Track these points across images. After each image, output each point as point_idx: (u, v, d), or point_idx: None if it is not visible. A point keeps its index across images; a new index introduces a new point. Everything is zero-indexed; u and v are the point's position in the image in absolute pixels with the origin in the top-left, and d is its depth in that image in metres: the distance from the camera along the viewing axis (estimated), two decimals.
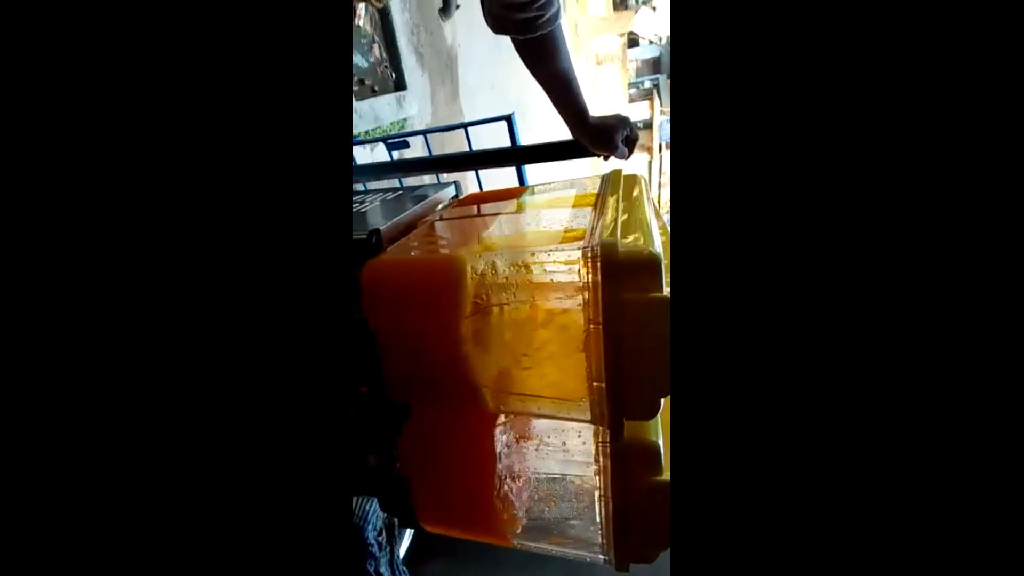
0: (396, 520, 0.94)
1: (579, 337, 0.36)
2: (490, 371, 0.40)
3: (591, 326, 0.35)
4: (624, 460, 0.40)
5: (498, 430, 0.45)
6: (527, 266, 0.37)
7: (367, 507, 0.85)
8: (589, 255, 0.34)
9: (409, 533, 1.01)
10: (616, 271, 0.34)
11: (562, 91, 0.64)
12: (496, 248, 0.39)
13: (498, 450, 0.45)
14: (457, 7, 2.04)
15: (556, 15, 0.60)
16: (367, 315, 0.41)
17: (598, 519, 0.44)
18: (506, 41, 0.62)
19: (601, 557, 0.46)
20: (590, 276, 0.35)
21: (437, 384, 0.42)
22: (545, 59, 0.62)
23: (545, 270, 0.36)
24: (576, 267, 0.35)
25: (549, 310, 0.37)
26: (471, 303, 0.38)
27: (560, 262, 0.36)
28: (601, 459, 0.41)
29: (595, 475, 0.42)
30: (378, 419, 0.47)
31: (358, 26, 2.06)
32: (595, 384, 0.37)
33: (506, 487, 0.46)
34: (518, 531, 0.47)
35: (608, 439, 0.40)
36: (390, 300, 0.41)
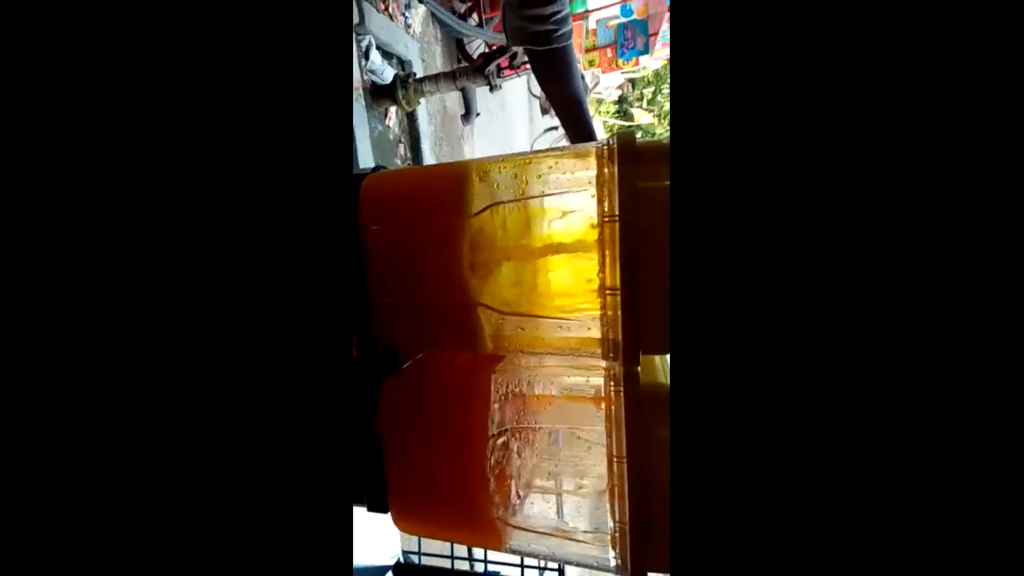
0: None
1: (591, 238, 0.33)
2: (489, 287, 0.36)
3: (605, 220, 0.32)
4: (638, 410, 0.34)
5: (494, 381, 0.39)
6: (535, 165, 0.35)
7: None
8: (605, 147, 0.33)
9: None
10: (634, 158, 0.32)
11: (573, 112, 0.68)
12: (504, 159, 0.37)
13: (494, 406, 0.38)
14: (477, 115, 2.27)
15: (569, 34, 0.66)
16: (362, 227, 0.38)
17: (608, 502, 0.36)
18: None
19: (611, 558, 0.36)
20: (606, 168, 0.32)
21: (430, 309, 0.38)
22: (558, 74, 0.66)
23: (557, 164, 0.34)
24: (590, 162, 0.33)
25: (558, 209, 0.34)
26: (475, 204, 0.35)
27: (572, 156, 0.34)
28: (613, 409, 0.35)
29: (606, 430, 0.35)
30: (361, 364, 0.41)
31: (388, 126, 2.28)
32: (608, 295, 0.33)
33: (499, 455, 0.38)
34: (510, 518, 0.38)
35: (621, 377, 0.34)
36: (389, 208, 0.38)
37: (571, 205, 0.34)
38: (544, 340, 0.36)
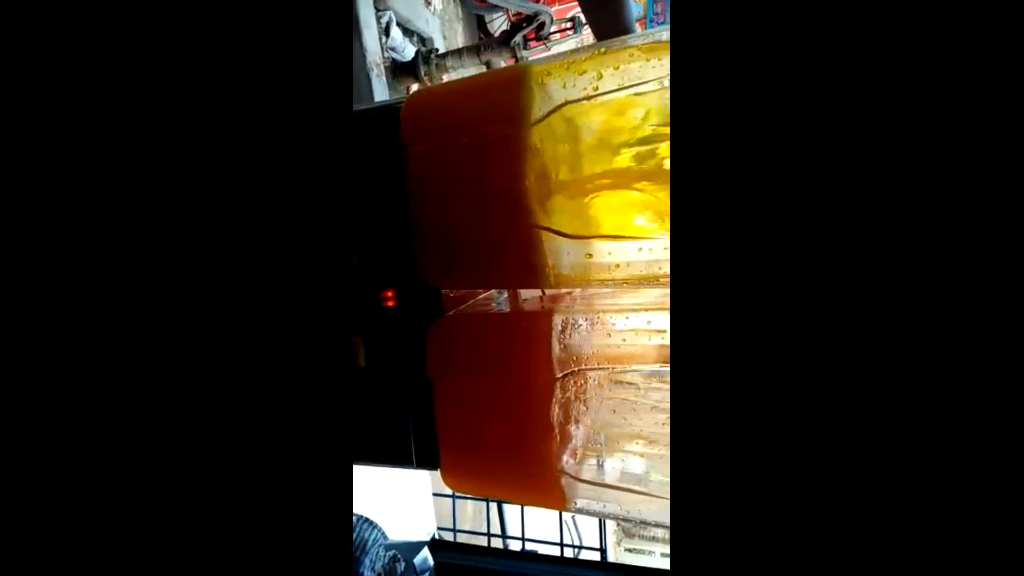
0: (399, 566, 0.75)
1: None
2: (553, 206, 0.31)
3: None
4: None
5: (556, 319, 0.34)
6: (613, 56, 0.30)
7: (368, 535, 0.68)
8: None
9: None
10: None
11: None
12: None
13: (557, 347, 0.34)
14: None
15: None
16: (405, 150, 0.34)
17: None
18: None
19: None
20: None
21: (484, 237, 0.33)
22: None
23: (642, 50, 0.29)
24: None
25: (644, 103, 0.29)
26: (536, 110, 0.31)
27: (663, 42, 0.29)
28: None
29: None
30: (406, 307, 0.37)
31: None
32: None
33: (564, 401, 0.33)
34: (576, 471, 0.33)
35: None
36: (435, 125, 0.33)
37: (661, 96, 0.28)
38: (619, 269, 0.31)
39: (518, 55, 1.97)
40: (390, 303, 0.40)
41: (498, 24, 2.95)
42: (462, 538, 0.94)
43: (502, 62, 2.09)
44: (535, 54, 2.05)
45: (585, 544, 1.08)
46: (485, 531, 0.96)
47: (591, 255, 0.32)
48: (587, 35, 2.79)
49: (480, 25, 2.95)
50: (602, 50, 0.30)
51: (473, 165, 0.32)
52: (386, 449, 0.37)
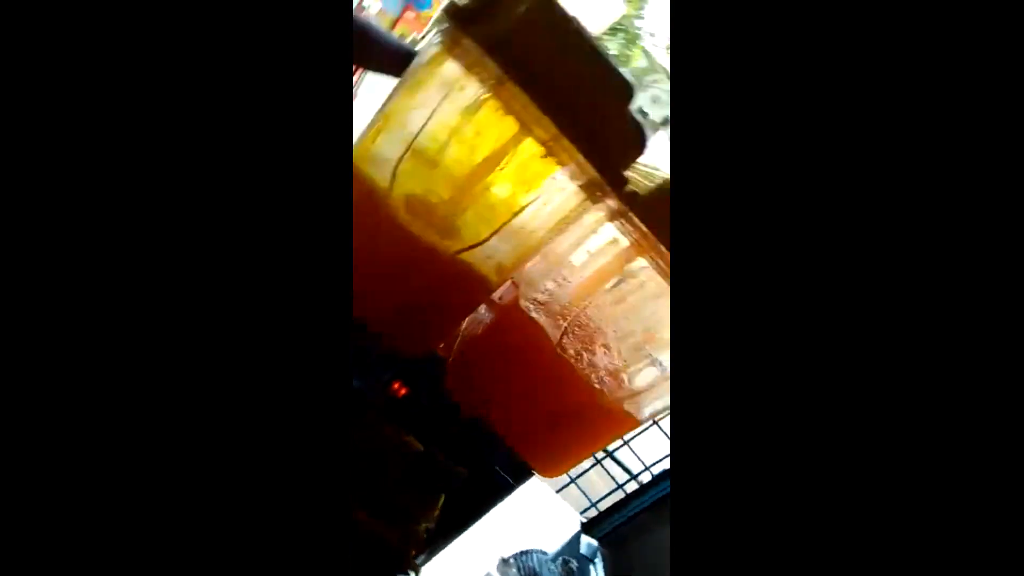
0: (573, 565, 0.79)
1: (501, 115, 0.32)
2: (457, 230, 0.35)
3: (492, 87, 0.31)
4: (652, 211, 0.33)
5: (525, 298, 0.38)
6: (408, 97, 0.33)
7: (533, 563, 0.72)
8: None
9: None
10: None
11: None
12: None
13: (543, 319, 0.38)
14: None
15: None
16: None
17: None
18: None
19: None
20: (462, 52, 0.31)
21: (424, 295, 0.37)
22: None
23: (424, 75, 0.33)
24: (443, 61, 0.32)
25: (451, 125, 0.33)
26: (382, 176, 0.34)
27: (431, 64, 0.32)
28: (633, 234, 0.34)
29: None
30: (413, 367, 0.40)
31: None
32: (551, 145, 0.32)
33: (578, 353, 0.38)
34: (626, 396, 0.38)
35: (624, 203, 0.33)
36: None
37: (466, 109, 0.32)
38: (535, 235, 0.36)
39: None
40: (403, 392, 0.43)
41: None
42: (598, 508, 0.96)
43: None
44: None
45: None
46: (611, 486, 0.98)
47: (508, 242, 0.36)
48: None
49: None
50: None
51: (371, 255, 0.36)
52: (488, 491, 0.41)
